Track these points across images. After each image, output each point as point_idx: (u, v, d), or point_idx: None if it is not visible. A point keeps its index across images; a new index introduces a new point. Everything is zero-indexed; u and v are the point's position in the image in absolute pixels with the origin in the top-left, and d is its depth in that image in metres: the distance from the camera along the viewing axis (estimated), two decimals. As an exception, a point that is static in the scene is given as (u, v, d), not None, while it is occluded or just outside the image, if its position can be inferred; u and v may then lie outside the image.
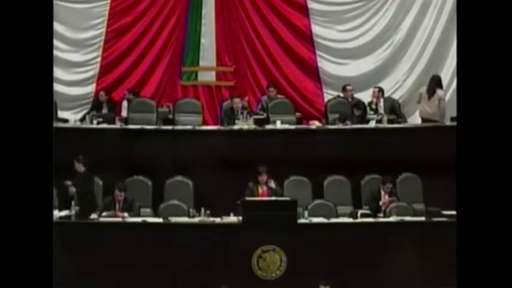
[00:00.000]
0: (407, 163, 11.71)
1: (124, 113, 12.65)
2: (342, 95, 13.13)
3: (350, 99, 12.97)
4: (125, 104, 12.90)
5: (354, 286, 10.12)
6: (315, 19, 13.58)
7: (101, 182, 11.46)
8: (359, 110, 12.64)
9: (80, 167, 10.72)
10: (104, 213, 10.57)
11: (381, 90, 13.07)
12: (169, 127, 12.24)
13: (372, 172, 11.71)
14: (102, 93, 13.08)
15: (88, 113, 12.61)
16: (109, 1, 13.40)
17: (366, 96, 13.18)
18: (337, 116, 12.48)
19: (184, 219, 10.51)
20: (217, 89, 13.65)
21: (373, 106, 12.90)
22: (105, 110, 12.90)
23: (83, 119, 12.52)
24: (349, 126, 12.17)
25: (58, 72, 12.85)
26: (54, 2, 11.50)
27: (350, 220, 10.66)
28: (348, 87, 13.03)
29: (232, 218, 10.40)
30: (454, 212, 8.91)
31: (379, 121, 12.35)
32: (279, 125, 12.11)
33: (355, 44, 13.62)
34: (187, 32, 13.56)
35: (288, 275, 10.14)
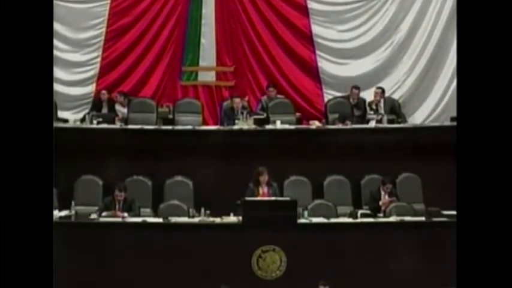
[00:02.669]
0: (407, 163, 11.72)
1: (119, 115, 12.64)
2: (344, 94, 13.13)
3: (355, 100, 12.94)
4: (117, 107, 12.87)
5: (354, 286, 10.11)
6: (315, 19, 13.58)
7: (101, 182, 11.47)
8: (359, 110, 12.64)
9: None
10: (104, 213, 10.57)
11: (383, 91, 13.07)
12: (169, 127, 12.24)
13: (372, 172, 11.72)
14: (104, 92, 13.08)
15: (88, 113, 12.61)
16: (109, 1, 13.39)
17: (366, 96, 13.19)
18: (337, 116, 12.49)
19: (184, 219, 10.50)
20: (217, 89, 13.65)
21: (374, 106, 12.90)
22: (105, 110, 12.91)
23: (83, 119, 12.52)
24: (349, 126, 12.17)
25: (58, 72, 12.85)
26: (54, 2, 11.50)
27: (350, 220, 10.65)
28: (355, 90, 13.00)
29: (232, 218, 10.40)
30: (454, 212, 8.91)
31: (379, 121, 12.36)
32: (279, 125, 12.12)
33: (355, 44, 13.62)
34: (187, 32, 13.56)
35: (288, 275, 10.13)
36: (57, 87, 12.60)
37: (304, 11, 13.56)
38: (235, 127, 12.06)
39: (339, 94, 13.33)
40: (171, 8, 13.53)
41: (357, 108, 12.81)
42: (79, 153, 11.46)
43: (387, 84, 13.39)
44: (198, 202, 10.96)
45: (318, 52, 13.58)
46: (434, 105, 13.38)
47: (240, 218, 10.25)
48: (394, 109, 13.02)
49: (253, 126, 12.05)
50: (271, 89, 13.22)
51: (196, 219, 10.40)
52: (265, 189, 11.02)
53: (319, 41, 13.59)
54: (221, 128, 12.31)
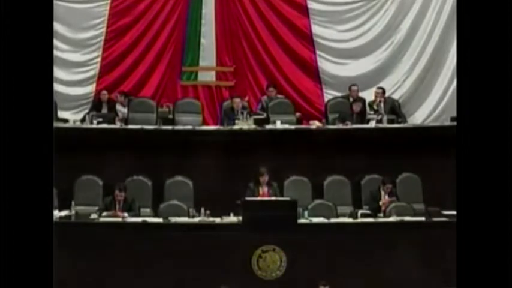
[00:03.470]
0: (407, 163, 11.72)
1: (120, 115, 12.64)
2: (344, 94, 13.14)
3: (355, 99, 12.91)
4: (118, 106, 12.88)
5: (354, 286, 10.11)
6: (315, 19, 13.58)
7: (101, 182, 11.47)
8: (358, 105, 12.54)
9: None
10: (104, 213, 10.57)
11: (383, 91, 13.07)
12: (169, 127, 12.24)
13: (372, 172, 11.72)
14: (104, 92, 13.07)
15: (88, 113, 12.60)
16: (109, 1, 13.39)
17: (366, 96, 13.18)
18: (337, 116, 12.49)
19: (184, 219, 10.51)
20: (217, 89, 13.65)
21: (375, 107, 12.89)
22: (105, 110, 12.90)
23: (83, 119, 12.52)
24: (349, 126, 12.17)
25: (58, 72, 12.84)
26: (54, 2, 11.50)
27: (350, 220, 10.65)
28: (353, 87, 13.02)
29: (232, 218, 10.40)
30: (454, 212, 8.92)
31: (379, 121, 12.35)
32: (279, 125, 12.11)
33: (355, 44, 13.61)
34: (187, 32, 13.56)
35: (288, 275, 10.13)
36: (57, 87, 12.58)
37: (304, 11, 13.55)
38: (235, 127, 12.05)
39: (338, 94, 13.33)
40: (171, 8, 13.53)
41: (356, 104, 12.69)
42: (79, 154, 11.46)
43: (387, 84, 13.39)
44: (198, 202, 10.95)
45: (318, 52, 13.58)
46: (434, 105, 13.38)
47: (240, 218, 10.25)
48: (394, 109, 13.02)
49: (253, 126, 12.04)
50: (271, 89, 13.22)
51: (196, 219, 10.41)
52: (265, 189, 11.04)
53: (319, 41, 13.59)
54: (221, 128, 12.30)
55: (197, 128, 12.19)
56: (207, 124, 12.93)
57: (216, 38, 13.54)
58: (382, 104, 12.95)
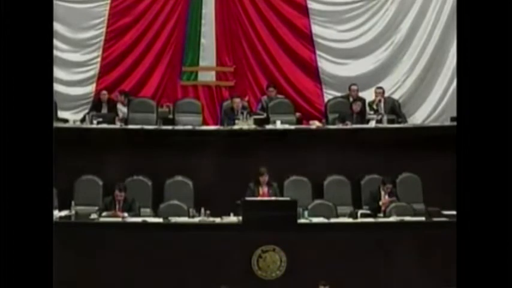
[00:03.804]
0: (407, 163, 11.72)
1: (120, 115, 12.64)
2: (344, 94, 13.14)
3: (355, 99, 12.91)
4: (119, 105, 12.89)
5: (354, 286, 10.11)
6: (315, 19, 13.58)
7: (101, 182, 11.47)
8: (358, 105, 12.54)
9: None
10: (104, 213, 10.57)
11: (384, 91, 13.08)
12: (169, 127, 12.24)
13: (372, 172, 11.72)
14: (104, 92, 13.08)
15: (88, 113, 12.61)
16: (109, 1, 13.39)
17: (366, 96, 13.19)
18: (337, 116, 12.49)
19: (184, 219, 10.50)
20: (217, 89, 13.65)
21: (375, 107, 12.89)
22: (105, 110, 12.91)
23: (83, 119, 12.52)
24: (349, 126, 12.17)
25: (58, 72, 12.84)
26: (54, 2, 11.50)
27: (350, 220, 10.65)
28: (353, 87, 13.02)
29: (232, 218, 10.40)
30: (454, 212, 8.92)
31: (379, 121, 12.35)
32: (279, 125, 12.11)
33: (355, 44, 13.62)
34: (187, 32, 13.56)
35: (288, 275, 10.13)
36: (57, 87, 12.59)
37: (304, 11, 13.56)
38: (235, 127, 12.05)
39: (338, 94, 13.33)
40: (171, 8, 13.53)
41: (356, 104, 12.67)
42: (79, 154, 11.46)
43: (387, 84, 13.39)
44: (198, 202, 10.96)
45: (318, 52, 13.58)
46: (434, 105, 13.39)
47: (240, 218, 10.25)
48: (394, 109, 13.03)
49: (253, 126, 12.04)
50: (271, 89, 13.22)
51: (196, 219, 10.40)
52: (265, 189, 11.04)
53: (319, 41, 13.59)
54: (221, 128, 12.30)
55: (197, 128, 12.19)
56: (207, 124, 12.93)
57: (216, 38, 13.54)
58: (382, 104, 12.97)
